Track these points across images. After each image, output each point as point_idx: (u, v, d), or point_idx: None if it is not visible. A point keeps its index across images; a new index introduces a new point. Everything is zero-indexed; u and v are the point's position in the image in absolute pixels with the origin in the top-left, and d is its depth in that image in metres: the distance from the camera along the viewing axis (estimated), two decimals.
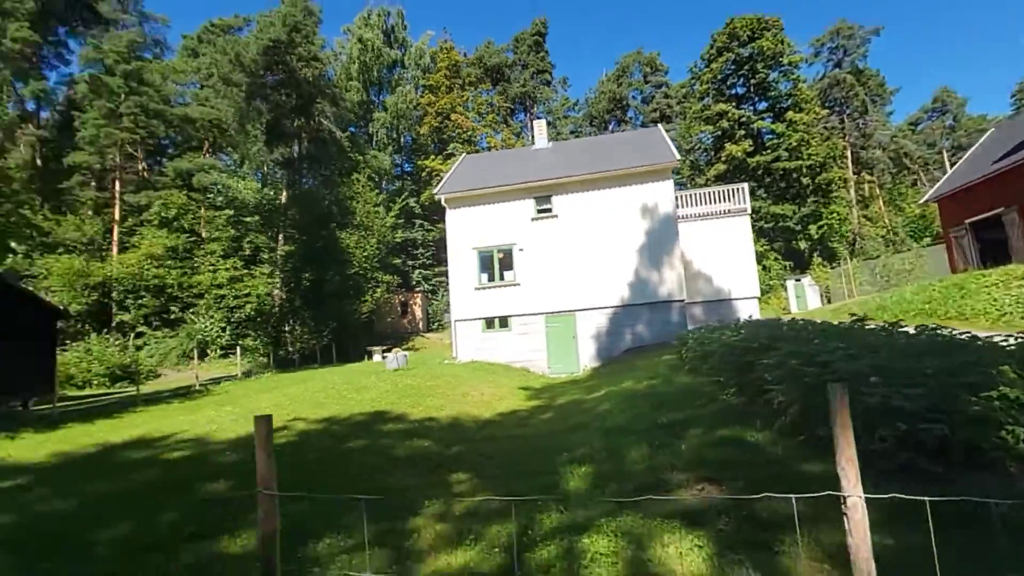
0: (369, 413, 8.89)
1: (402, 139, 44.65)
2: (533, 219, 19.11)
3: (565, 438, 7.03)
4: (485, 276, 19.54)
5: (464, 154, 25.73)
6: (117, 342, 28.08)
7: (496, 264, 19.43)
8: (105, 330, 29.79)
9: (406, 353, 17.26)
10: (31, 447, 7.43)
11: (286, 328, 31.66)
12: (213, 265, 31.77)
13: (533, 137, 25.82)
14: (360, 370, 17.81)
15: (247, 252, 33.99)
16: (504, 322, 19.23)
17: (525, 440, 7.39)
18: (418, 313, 39.68)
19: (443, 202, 20.05)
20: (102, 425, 9.37)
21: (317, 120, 29.39)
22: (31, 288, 21.08)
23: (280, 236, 33.06)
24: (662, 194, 18.17)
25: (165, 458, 6.17)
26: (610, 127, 56.92)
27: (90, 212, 31.47)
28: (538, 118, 53.92)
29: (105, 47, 27.71)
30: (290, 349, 27.96)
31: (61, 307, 19.83)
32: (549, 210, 19.02)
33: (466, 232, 19.74)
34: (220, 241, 33.15)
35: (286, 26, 26.18)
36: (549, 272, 18.64)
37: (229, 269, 32.87)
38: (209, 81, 30.67)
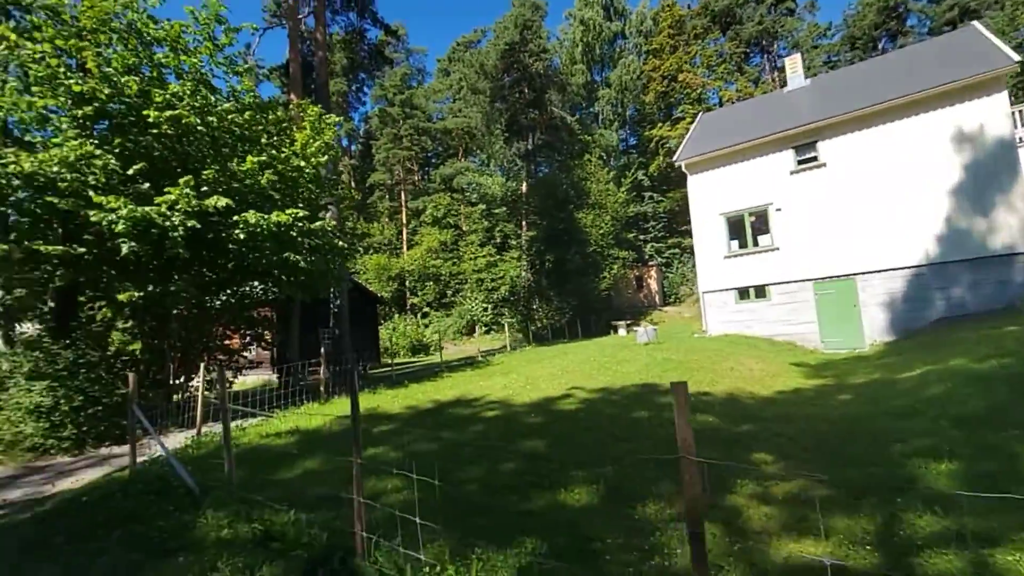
0: (639, 385, 9.05)
1: (627, 112, 43.85)
2: (792, 172, 16.60)
3: (886, 424, 5.93)
4: (735, 243, 17.87)
5: (700, 113, 23.79)
6: (412, 321, 35.23)
7: (748, 229, 17.57)
8: (403, 312, 37.63)
9: (655, 327, 17.07)
10: (388, 400, 9.85)
11: (534, 306, 34.75)
12: (473, 254, 36.94)
13: (780, 79, 22.28)
14: (610, 344, 18.37)
15: (498, 240, 38.43)
16: (761, 292, 17.32)
17: (828, 423, 6.50)
18: (653, 287, 38.93)
19: (683, 168, 18.97)
20: (427, 386, 11.83)
21: (548, 110, 31.04)
22: (359, 282, 27.90)
23: (523, 223, 36.28)
24: (990, 113, 13.64)
25: (483, 416, 7.43)
26: (880, 45, 45.37)
27: (386, 219, 39.80)
28: (780, 55, 46.38)
29: (387, 84, 34.49)
30: (539, 325, 30.58)
31: (378, 295, 25.83)
32: (814, 159, 16.24)
33: (711, 197, 18.32)
34: (477, 233, 38.25)
35: (517, 27, 28.22)
36: (816, 232, 15.99)
37: (485, 256, 37.74)
38: (460, 94, 35.32)
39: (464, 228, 40.22)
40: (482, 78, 29.10)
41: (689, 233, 40.58)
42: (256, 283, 12.18)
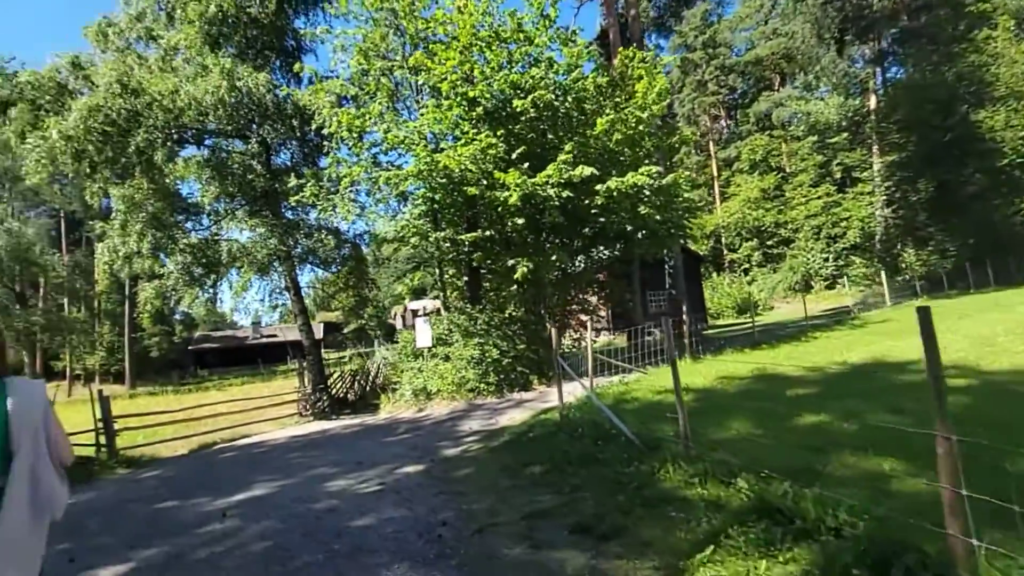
0: None
1: None
2: None
3: None
4: None
5: None
6: (735, 279, 32.42)
7: None
8: (720, 271, 35.04)
9: None
10: (771, 360, 8.71)
11: (897, 249, 27.40)
12: (804, 196, 31.27)
13: None
14: None
15: (837, 175, 31.46)
16: None
17: None
18: None
19: None
20: (805, 346, 10.20)
21: None
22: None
23: (875, 147, 28.65)
24: None
25: (950, 384, 5.58)
26: None
27: (694, 175, 37.56)
28: None
29: (686, 29, 31.95)
30: (915, 272, 23.57)
31: (700, 254, 24.45)
32: None
33: None
34: (807, 171, 32.21)
35: None
36: None
37: (821, 197, 31.51)
38: (775, 10, 29.90)
39: (789, 169, 34.40)
40: None
41: None
42: (603, 247, 12.73)
